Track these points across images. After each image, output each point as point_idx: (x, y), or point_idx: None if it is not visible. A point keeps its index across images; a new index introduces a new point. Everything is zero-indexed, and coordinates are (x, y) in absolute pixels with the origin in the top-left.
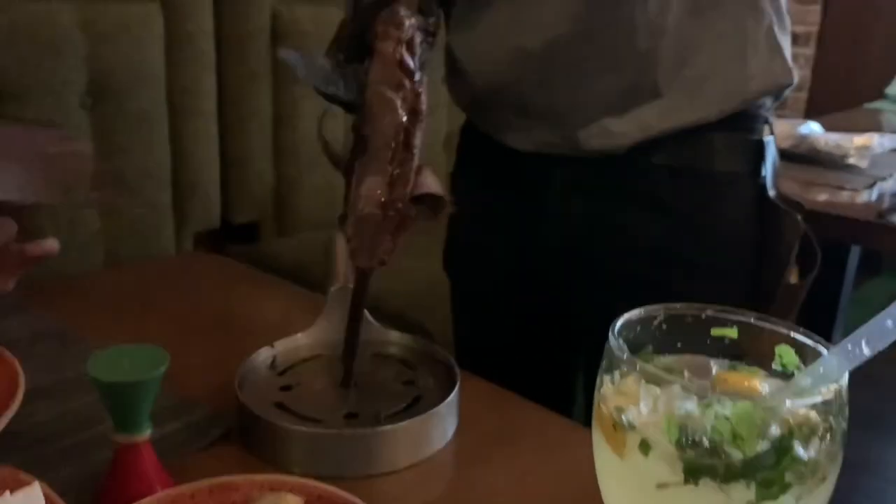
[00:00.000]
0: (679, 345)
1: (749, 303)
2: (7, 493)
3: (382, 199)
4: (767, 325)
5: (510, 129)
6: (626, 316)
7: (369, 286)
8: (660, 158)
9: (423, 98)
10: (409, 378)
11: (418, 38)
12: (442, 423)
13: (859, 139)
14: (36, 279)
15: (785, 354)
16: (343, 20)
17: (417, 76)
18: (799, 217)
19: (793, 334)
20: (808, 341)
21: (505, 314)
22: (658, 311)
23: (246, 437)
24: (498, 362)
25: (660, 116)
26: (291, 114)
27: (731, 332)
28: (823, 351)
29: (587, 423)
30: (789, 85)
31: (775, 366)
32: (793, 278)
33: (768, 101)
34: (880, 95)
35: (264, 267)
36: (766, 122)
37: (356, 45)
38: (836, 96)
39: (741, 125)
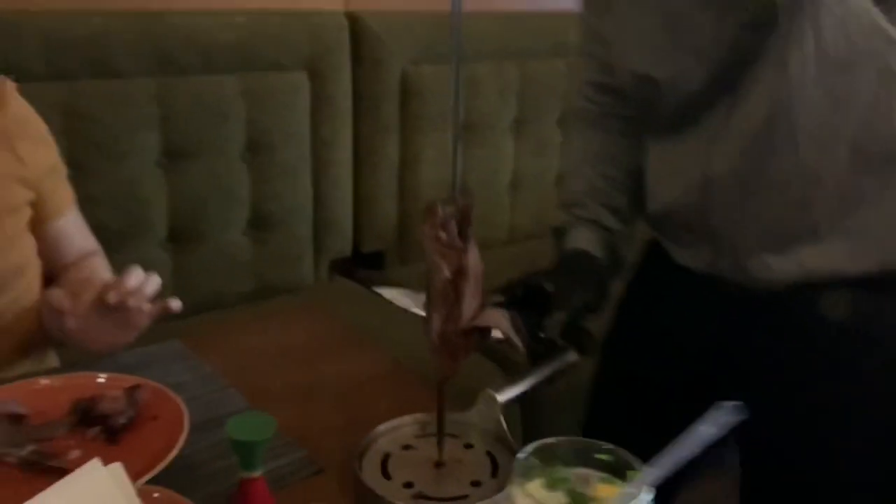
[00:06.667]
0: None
1: None
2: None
3: (437, 332)
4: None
5: (680, 245)
6: (538, 442)
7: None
8: (823, 308)
9: (469, 258)
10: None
11: (454, 220)
12: None
13: None
14: (195, 325)
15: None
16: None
17: (459, 245)
18: None
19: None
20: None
21: (649, 400)
22: (562, 441)
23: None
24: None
25: (818, 259)
26: (415, 160)
27: (608, 457)
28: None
29: None
30: None
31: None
32: None
33: None
34: None
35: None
36: None
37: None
38: None
39: None
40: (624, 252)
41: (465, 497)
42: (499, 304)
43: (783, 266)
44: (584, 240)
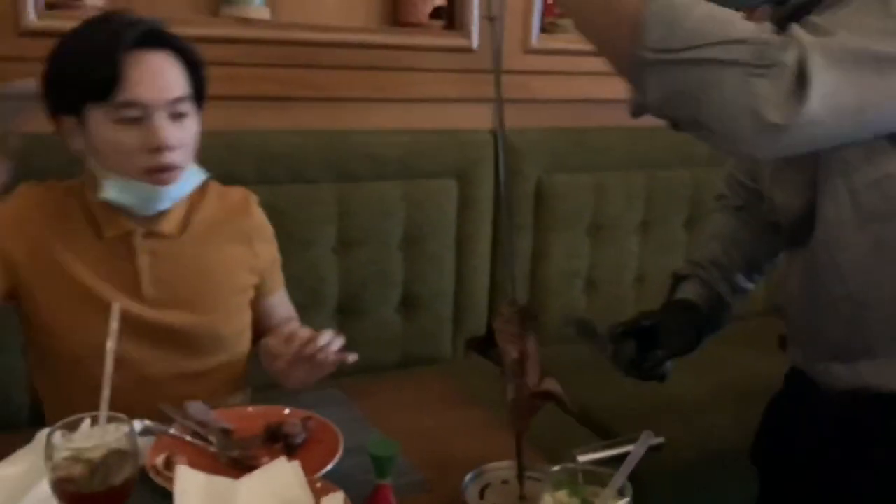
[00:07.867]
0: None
1: None
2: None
3: (511, 397)
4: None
5: (788, 342)
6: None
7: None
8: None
9: (529, 347)
10: None
11: (516, 320)
12: None
13: None
14: (352, 377)
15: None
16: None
17: (521, 334)
18: None
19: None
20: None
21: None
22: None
23: None
24: None
25: (875, 375)
26: (545, 253)
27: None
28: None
29: None
30: None
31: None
32: None
33: None
34: None
35: None
36: None
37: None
38: None
39: None
40: (723, 317)
41: None
42: (623, 334)
43: (841, 374)
44: (692, 293)
